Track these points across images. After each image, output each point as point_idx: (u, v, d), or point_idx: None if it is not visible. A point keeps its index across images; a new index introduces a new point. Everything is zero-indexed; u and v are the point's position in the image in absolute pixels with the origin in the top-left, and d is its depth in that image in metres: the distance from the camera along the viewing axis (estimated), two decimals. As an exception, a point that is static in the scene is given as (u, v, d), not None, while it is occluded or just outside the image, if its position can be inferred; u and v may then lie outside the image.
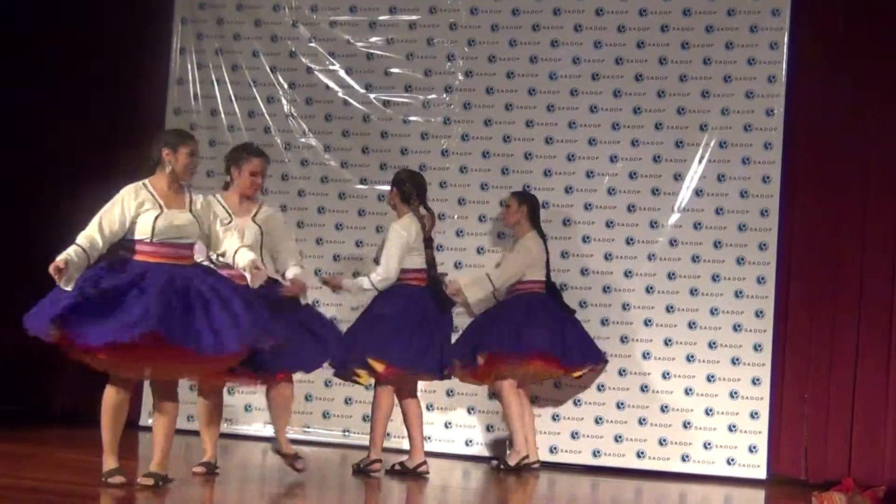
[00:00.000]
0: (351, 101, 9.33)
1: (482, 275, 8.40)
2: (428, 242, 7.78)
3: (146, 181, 6.61)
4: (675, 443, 8.62)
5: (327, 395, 9.15)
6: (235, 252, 6.60)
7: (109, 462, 6.58)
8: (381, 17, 9.32)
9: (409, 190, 7.77)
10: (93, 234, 6.35)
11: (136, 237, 6.50)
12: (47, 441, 8.17)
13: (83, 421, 8.22)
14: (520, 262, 8.43)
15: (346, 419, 9.10)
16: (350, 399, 9.10)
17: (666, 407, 8.65)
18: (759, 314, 8.56)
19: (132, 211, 6.48)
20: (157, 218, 6.50)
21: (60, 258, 6.20)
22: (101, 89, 9.52)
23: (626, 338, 8.71)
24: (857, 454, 8.31)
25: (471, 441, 8.94)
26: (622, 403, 8.68)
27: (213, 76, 9.50)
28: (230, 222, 7.05)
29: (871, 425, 8.31)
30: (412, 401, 7.81)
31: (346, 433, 9.09)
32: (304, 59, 9.41)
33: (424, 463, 7.76)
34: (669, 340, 8.67)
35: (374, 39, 9.33)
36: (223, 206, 7.24)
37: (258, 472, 8.06)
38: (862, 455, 8.30)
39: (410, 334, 7.58)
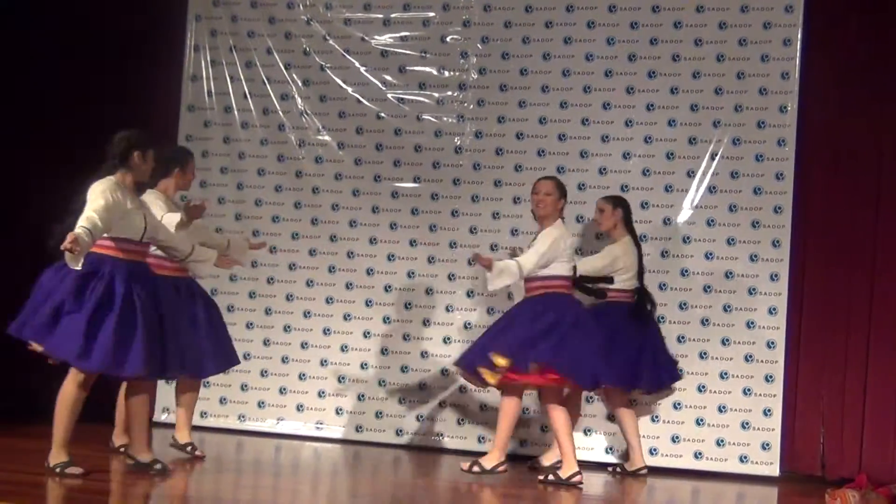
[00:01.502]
0: (365, 98, 9.34)
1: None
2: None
3: (117, 180, 6.70)
4: (688, 440, 8.61)
5: (341, 392, 9.17)
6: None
7: (62, 455, 6.62)
8: (394, 15, 9.34)
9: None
10: (96, 222, 6.39)
11: (122, 235, 6.65)
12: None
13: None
14: (599, 265, 8.17)
15: (359, 416, 9.11)
16: (363, 396, 9.12)
17: (679, 404, 8.64)
18: (772, 311, 8.55)
19: (121, 208, 6.59)
20: (145, 219, 6.73)
21: (75, 234, 6.24)
22: (115, 86, 9.54)
23: (638, 334, 8.67)
24: (870, 451, 8.29)
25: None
26: (634, 400, 8.64)
27: (228, 73, 9.53)
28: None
29: (884, 422, 8.29)
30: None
31: (360, 430, 9.10)
32: (317, 57, 9.43)
33: (578, 473, 7.60)
34: (682, 337, 8.65)
35: (388, 37, 9.34)
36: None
37: (271, 468, 8.08)
38: (875, 452, 8.28)
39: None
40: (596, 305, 8.24)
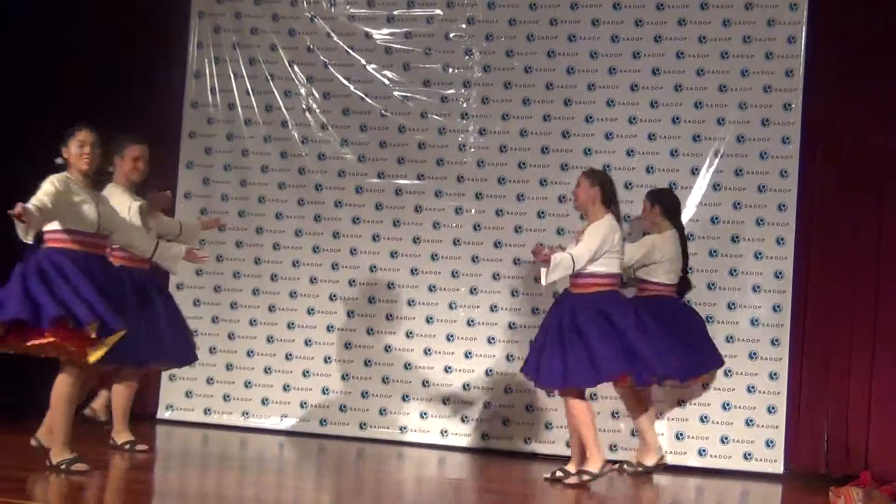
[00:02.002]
0: (368, 95, 9.33)
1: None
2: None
3: (68, 175, 6.72)
4: (693, 437, 8.61)
5: (345, 389, 9.16)
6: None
7: (65, 452, 6.58)
8: (398, 12, 9.33)
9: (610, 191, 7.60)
10: (45, 203, 6.44)
11: (75, 227, 6.62)
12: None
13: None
14: (633, 254, 8.07)
15: (362, 412, 9.10)
16: (366, 393, 9.11)
17: (683, 401, 8.64)
18: (776, 308, 8.55)
19: (67, 198, 6.58)
20: (98, 210, 6.69)
21: (23, 205, 6.27)
22: (118, 84, 9.52)
23: (643, 332, 8.66)
24: (874, 448, 8.29)
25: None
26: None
27: (231, 70, 9.52)
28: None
29: (889, 419, 8.29)
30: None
31: (364, 426, 9.10)
32: (321, 54, 9.42)
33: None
34: (687, 334, 8.65)
35: (392, 34, 9.33)
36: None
37: (275, 465, 8.08)
38: (880, 449, 8.27)
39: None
40: (642, 299, 8.13)
